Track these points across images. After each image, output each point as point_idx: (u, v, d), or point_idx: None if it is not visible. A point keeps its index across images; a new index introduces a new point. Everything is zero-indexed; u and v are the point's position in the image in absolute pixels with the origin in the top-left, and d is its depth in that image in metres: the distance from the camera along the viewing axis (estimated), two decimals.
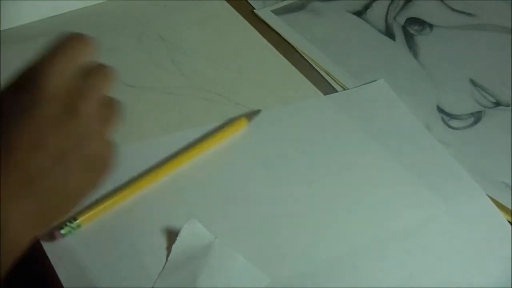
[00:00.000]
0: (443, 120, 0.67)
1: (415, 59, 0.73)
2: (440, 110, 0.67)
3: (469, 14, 0.79)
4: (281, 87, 0.67)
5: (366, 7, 0.78)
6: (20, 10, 0.69)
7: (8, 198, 0.42)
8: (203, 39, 0.71)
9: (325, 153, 0.61)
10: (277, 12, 0.76)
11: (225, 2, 0.75)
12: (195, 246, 0.52)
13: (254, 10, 0.75)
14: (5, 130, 0.43)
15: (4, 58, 0.62)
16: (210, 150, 0.59)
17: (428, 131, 0.64)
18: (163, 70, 0.67)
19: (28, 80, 0.45)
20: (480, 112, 0.68)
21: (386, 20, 0.77)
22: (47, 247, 0.51)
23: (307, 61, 0.70)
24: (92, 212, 0.52)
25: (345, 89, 0.68)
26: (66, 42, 0.46)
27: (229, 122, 0.61)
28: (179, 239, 0.52)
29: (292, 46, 0.72)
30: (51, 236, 0.51)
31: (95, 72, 0.48)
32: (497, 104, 0.69)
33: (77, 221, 0.52)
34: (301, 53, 0.71)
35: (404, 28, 0.76)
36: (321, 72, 0.69)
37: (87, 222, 0.52)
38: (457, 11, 0.79)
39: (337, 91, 0.68)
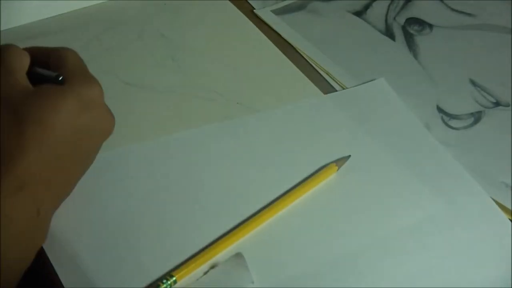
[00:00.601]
0: (443, 120, 0.67)
1: (415, 59, 0.73)
2: (440, 110, 0.67)
3: (469, 14, 0.79)
4: (282, 86, 0.67)
5: (366, 7, 0.78)
6: (20, 10, 0.69)
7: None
8: (204, 38, 0.71)
9: (324, 152, 0.60)
10: (277, 12, 0.76)
11: (227, 1, 0.75)
12: (230, 281, 0.51)
13: (254, 10, 0.75)
14: None
15: None
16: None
17: (428, 130, 0.64)
18: (163, 69, 0.67)
19: None
20: (480, 112, 0.68)
21: (386, 20, 0.77)
22: (47, 247, 0.51)
23: (307, 61, 0.70)
24: (187, 269, 0.51)
25: (344, 88, 0.68)
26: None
27: (319, 170, 0.59)
28: (220, 267, 0.51)
29: (292, 46, 0.72)
30: None
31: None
32: (497, 104, 0.69)
33: (174, 278, 0.50)
34: (301, 53, 0.71)
35: (404, 28, 0.76)
36: (321, 72, 0.69)
37: (183, 277, 0.51)
38: (457, 11, 0.79)
39: (337, 91, 0.67)
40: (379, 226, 0.56)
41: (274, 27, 0.74)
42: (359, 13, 0.77)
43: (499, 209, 0.58)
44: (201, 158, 0.59)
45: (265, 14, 0.75)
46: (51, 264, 0.50)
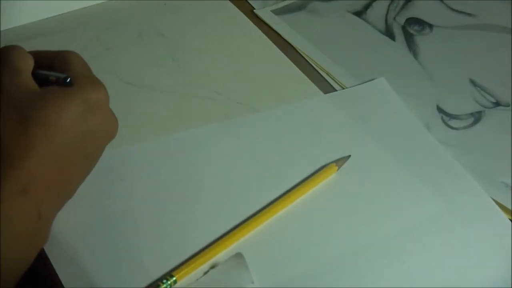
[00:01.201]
0: (443, 120, 0.67)
1: (415, 59, 0.73)
2: (440, 110, 0.67)
3: (469, 14, 0.79)
4: (282, 86, 0.67)
5: (366, 7, 0.78)
6: (20, 10, 0.69)
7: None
8: (204, 37, 0.71)
9: (324, 152, 0.60)
10: (277, 12, 0.76)
11: (227, 1, 0.75)
12: (230, 280, 0.51)
13: (254, 10, 0.75)
14: None
15: None
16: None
17: (428, 130, 0.64)
18: (163, 69, 0.67)
19: None
20: (480, 112, 0.68)
21: (386, 20, 0.77)
22: (47, 247, 0.51)
23: (307, 61, 0.70)
24: (187, 269, 0.51)
25: (344, 88, 0.68)
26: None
27: (319, 170, 0.59)
28: (220, 267, 0.51)
29: (292, 46, 0.72)
30: None
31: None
32: (497, 104, 0.69)
33: (174, 278, 0.50)
34: (301, 53, 0.71)
35: (404, 28, 0.76)
36: (321, 72, 0.69)
37: (183, 277, 0.51)
38: (457, 11, 0.79)
39: (337, 91, 0.67)
40: (379, 226, 0.56)
41: (274, 27, 0.74)
42: (359, 13, 0.77)
43: (499, 209, 0.58)
44: (201, 158, 0.59)
45: (265, 14, 0.75)
46: (51, 264, 0.50)
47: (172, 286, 0.50)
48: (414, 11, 0.79)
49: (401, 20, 0.77)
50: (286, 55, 0.70)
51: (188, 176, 0.58)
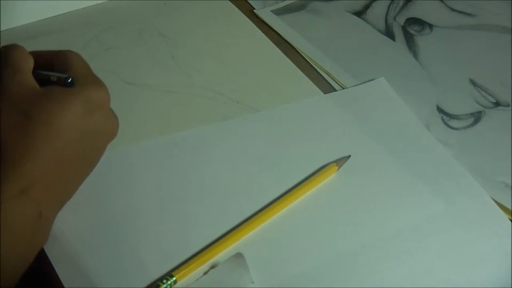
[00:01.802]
0: (443, 120, 0.67)
1: (415, 59, 0.73)
2: (440, 110, 0.67)
3: (469, 14, 0.79)
4: (282, 86, 0.67)
5: (366, 7, 0.78)
6: (20, 10, 0.69)
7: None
8: (203, 37, 0.71)
9: (324, 152, 0.60)
10: (277, 12, 0.76)
11: (227, 1, 0.75)
12: (230, 280, 0.51)
13: (254, 10, 0.75)
14: None
15: None
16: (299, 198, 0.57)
17: (427, 130, 0.64)
18: (163, 68, 0.67)
19: None
20: (480, 112, 0.68)
21: (386, 20, 0.77)
22: (47, 247, 0.51)
23: (307, 61, 0.70)
24: (187, 269, 0.51)
25: (344, 88, 0.68)
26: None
27: (319, 170, 0.59)
28: (220, 267, 0.51)
29: (292, 46, 0.72)
30: None
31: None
32: (497, 104, 0.69)
33: (174, 278, 0.50)
34: (301, 53, 0.71)
35: (404, 28, 0.76)
36: (321, 72, 0.69)
37: (183, 277, 0.51)
38: (457, 11, 0.79)
39: (336, 91, 0.67)
40: (379, 226, 0.56)
41: (274, 27, 0.74)
42: (359, 13, 0.77)
43: (499, 209, 0.58)
44: (201, 158, 0.59)
45: (265, 14, 0.75)
46: (51, 264, 0.50)
47: (172, 286, 0.50)
48: (414, 11, 0.79)
49: (401, 20, 0.77)
50: (286, 55, 0.70)
51: (188, 176, 0.58)
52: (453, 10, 0.79)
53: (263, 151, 0.60)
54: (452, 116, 0.67)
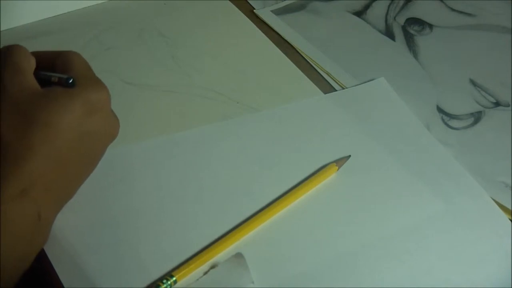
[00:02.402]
0: (443, 120, 0.67)
1: (415, 59, 0.73)
2: (440, 110, 0.67)
3: (469, 14, 0.79)
4: (281, 86, 0.67)
5: (366, 7, 0.78)
6: (20, 10, 0.69)
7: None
8: (204, 37, 0.71)
9: (324, 152, 0.60)
10: (277, 12, 0.76)
11: (227, 1, 0.75)
12: (230, 280, 0.51)
13: (254, 10, 0.75)
14: None
15: None
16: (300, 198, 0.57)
17: (427, 130, 0.64)
18: (163, 68, 0.67)
19: None
20: (480, 112, 0.68)
21: (386, 20, 0.77)
22: (48, 247, 0.51)
23: (306, 61, 0.70)
24: (187, 269, 0.51)
25: (344, 88, 0.68)
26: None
27: (319, 170, 0.59)
28: (220, 267, 0.51)
29: (292, 46, 0.72)
30: None
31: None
32: (497, 104, 0.69)
33: (174, 278, 0.50)
34: (301, 53, 0.71)
35: (404, 28, 0.76)
36: (321, 72, 0.69)
37: (183, 277, 0.51)
38: (457, 11, 0.79)
39: (336, 91, 0.67)
40: (379, 226, 0.56)
41: (274, 27, 0.74)
42: (359, 13, 0.77)
43: (499, 209, 0.58)
44: (201, 158, 0.59)
45: (265, 14, 0.75)
46: (51, 264, 0.50)
47: (172, 286, 0.50)
48: (414, 11, 0.79)
49: (401, 20, 0.77)
50: (286, 55, 0.70)
51: (188, 176, 0.58)
52: (453, 10, 0.79)
53: (263, 151, 0.61)
54: (452, 116, 0.67)
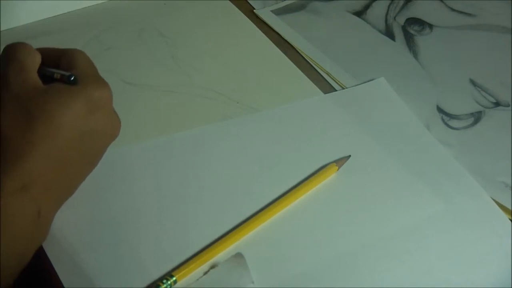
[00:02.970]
0: (443, 120, 0.67)
1: (415, 59, 0.73)
2: (440, 110, 0.67)
3: (469, 14, 0.79)
4: (281, 86, 0.67)
5: (366, 7, 0.78)
6: (20, 10, 0.69)
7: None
8: (204, 37, 0.71)
9: (324, 152, 0.60)
10: (277, 12, 0.76)
11: (227, 1, 0.75)
12: (230, 280, 0.51)
13: (254, 10, 0.75)
14: None
15: None
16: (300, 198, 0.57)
17: (428, 130, 0.64)
18: (163, 68, 0.67)
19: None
20: (480, 112, 0.68)
21: (386, 20, 0.77)
22: (47, 246, 0.51)
23: (306, 61, 0.70)
24: (187, 269, 0.51)
25: (344, 88, 0.68)
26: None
27: (319, 170, 0.59)
28: (220, 267, 0.51)
29: (292, 46, 0.72)
30: None
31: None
32: (497, 104, 0.69)
33: (174, 278, 0.50)
34: (301, 53, 0.71)
35: (404, 28, 0.76)
36: (321, 72, 0.69)
37: (183, 277, 0.50)
38: (457, 11, 0.79)
39: (336, 91, 0.67)
40: (379, 226, 0.56)
41: (274, 27, 0.74)
42: (359, 13, 0.77)
43: (499, 209, 0.58)
44: (201, 158, 0.59)
45: (265, 14, 0.75)
46: (50, 262, 0.50)
47: (172, 286, 0.50)
48: (414, 11, 0.79)
49: (401, 20, 0.77)
50: (286, 55, 0.70)
51: (188, 176, 0.58)
52: (453, 10, 0.79)
53: (263, 151, 0.60)
54: (452, 116, 0.67)
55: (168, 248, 0.52)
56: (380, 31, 0.76)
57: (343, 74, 0.69)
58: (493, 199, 0.59)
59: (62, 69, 0.51)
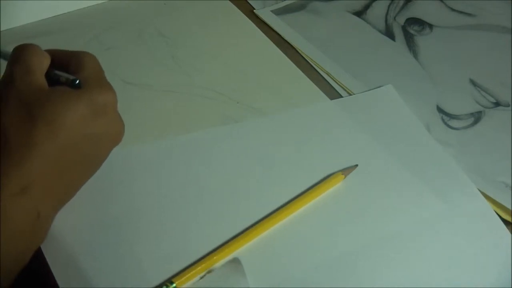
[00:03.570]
0: (443, 120, 0.67)
1: (415, 59, 0.73)
2: (440, 110, 0.67)
3: (469, 14, 0.79)
4: (281, 85, 0.67)
5: (366, 7, 0.78)
6: (20, 10, 0.69)
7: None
8: (204, 37, 0.71)
9: (331, 160, 0.60)
10: (277, 12, 0.76)
11: (227, 1, 0.75)
12: (226, 285, 0.51)
13: (254, 10, 0.75)
14: None
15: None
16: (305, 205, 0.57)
17: (431, 136, 0.64)
18: (163, 68, 0.67)
19: None
20: (480, 112, 0.68)
21: (386, 20, 0.77)
22: (45, 247, 0.50)
23: (306, 60, 0.71)
24: (187, 275, 0.50)
25: (344, 88, 0.68)
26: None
27: (326, 178, 0.58)
28: (216, 272, 0.51)
29: (292, 46, 0.72)
30: None
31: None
32: (497, 104, 0.69)
33: (174, 285, 0.50)
34: (301, 53, 0.71)
35: (404, 28, 0.76)
36: (320, 71, 0.69)
37: (183, 284, 0.50)
38: (457, 11, 0.79)
39: (336, 91, 0.68)
40: (379, 227, 0.56)
41: (274, 27, 0.74)
42: (359, 13, 0.77)
43: (493, 211, 0.58)
44: (204, 163, 0.59)
45: (265, 14, 0.75)
46: (48, 265, 0.50)
47: None
48: (414, 11, 0.79)
49: (401, 20, 0.77)
50: (286, 55, 0.70)
51: (190, 181, 0.57)
52: (453, 10, 0.79)
53: (268, 157, 0.60)
54: (452, 116, 0.67)
55: (167, 251, 0.52)
56: (380, 31, 0.76)
57: (343, 74, 0.69)
58: (493, 200, 0.59)
59: (70, 71, 0.51)
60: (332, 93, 0.67)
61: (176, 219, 0.54)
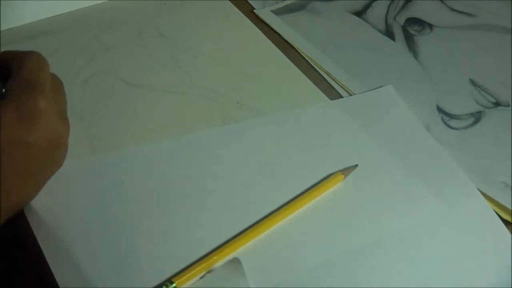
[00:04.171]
0: (443, 120, 0.67)
1: (415, 59, 0.73)
2: (440, 110, 0.67)
3: (469, 14, 0.79)
4: (281, 86, 0.67)
5: (366, 7, 0.78)
6: (20, 10, 0.69)
7: None
8: (204, 38, 0.71)
9: (331, 160, 0.60)
10: (277, 12, 0.76)
11: (227, 1, 0.75)
12: (226, 285, 0.51)
13: (254, 10, 0.75)
14: None
15: None
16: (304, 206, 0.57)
17: (431, 136, 0.64)
18: (163, 69, 0.67)
19: None
20: (480, 112, 0.68)
21: (386, 20, 0.77)
22: (46, 248, 0.50)
23: (306, 60, 0.71)
24: (187, 275, 0.50)
25: (344, 88, 0.68)
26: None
27: (326, 178, 0.58)
28: (216, 272, 0.51)
29: (292, 46, 0.72)
30: None
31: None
32: (497, 104, 0.69)
33: (173, 285, 0.50)
34: (301, 53, 0.71)
35: (404, 28, 0.76)
36: (320, 71, 0.69)
37: (183, 284, 0.50)
38: (457, 11, 0.79)
39: (336, 91, 0.68)
40: (379, 227, 0.56)
41: (274, 27, 0.74)
42: (359, 13, 0.77)
43: (493, 211, 0.58)
44: (204, 163, 0.59)
45: (265, 14, 0.75)
46: (48, 265, 0.50)
47: None
48: (414, 11, 0.79)
49: (401, 20, 0.77)
50: (286, 55, 0.70)
51: (191, 182, 0.57)
52: (453, 10, 0.79)
53: (268, 157, 0.60)
54: (452, 116, 0.67)
55: (167, 251, 0.52)
56: (380, 31, 0.76)
57: (343, 74, 0.69)
58: (493, 200, 0.59)
59: (12, 73, 0.49)
60: (332, 93, 0.67)
61: (176, 219, 0.54)
